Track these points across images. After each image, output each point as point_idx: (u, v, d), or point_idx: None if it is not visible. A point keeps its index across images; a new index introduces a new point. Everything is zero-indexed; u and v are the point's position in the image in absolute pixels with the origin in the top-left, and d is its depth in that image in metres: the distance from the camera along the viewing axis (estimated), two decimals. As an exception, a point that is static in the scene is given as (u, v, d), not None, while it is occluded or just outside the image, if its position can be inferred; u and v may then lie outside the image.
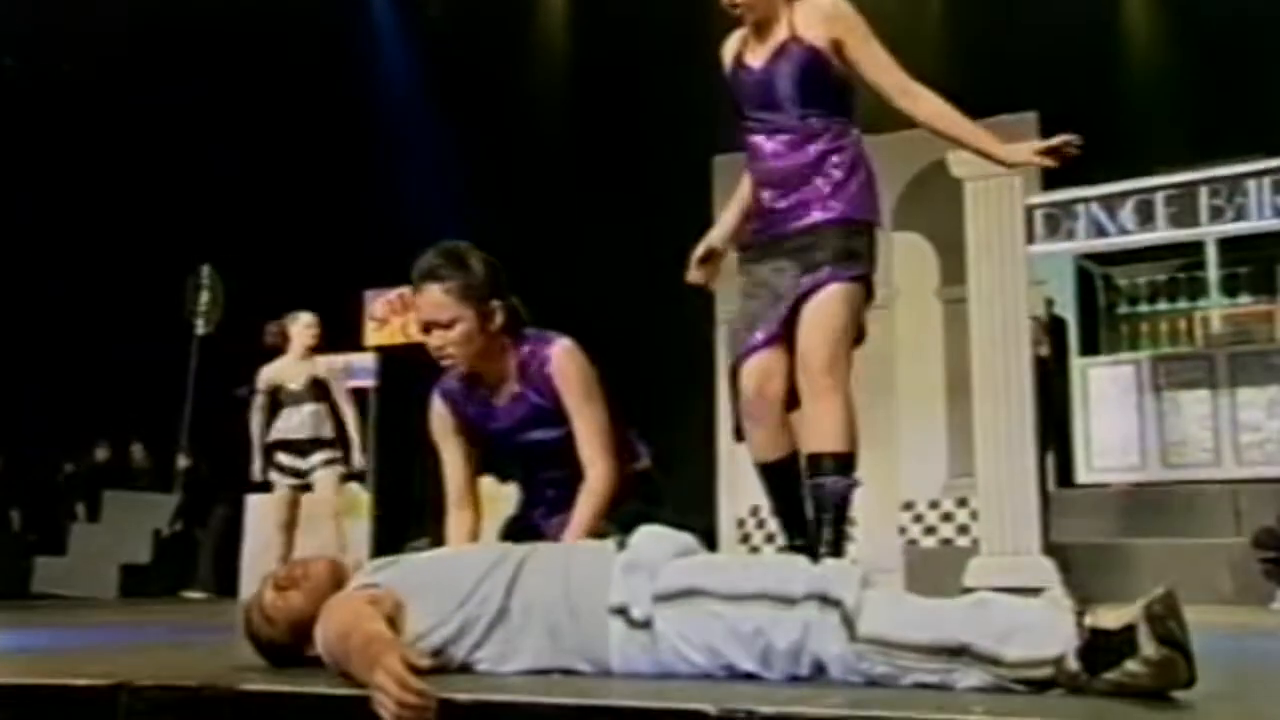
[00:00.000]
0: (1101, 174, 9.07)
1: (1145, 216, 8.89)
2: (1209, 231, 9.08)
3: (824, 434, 3.48)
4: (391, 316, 10.78)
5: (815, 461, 3.50)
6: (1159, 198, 8.88)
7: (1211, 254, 9.77)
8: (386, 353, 10.65)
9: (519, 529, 3.51)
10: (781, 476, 3.65)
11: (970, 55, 9.98)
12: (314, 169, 11.84)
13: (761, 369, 3.55)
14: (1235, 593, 7.95)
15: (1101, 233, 9.06)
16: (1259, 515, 8.37)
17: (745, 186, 3.82)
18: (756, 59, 3.61)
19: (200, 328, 11.57)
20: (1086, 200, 9.00)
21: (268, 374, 7.98)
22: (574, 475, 3.34)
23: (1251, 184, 8.62)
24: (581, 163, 11.45)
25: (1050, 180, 9.34)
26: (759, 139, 3.64)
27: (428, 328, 3.37)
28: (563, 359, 3.42)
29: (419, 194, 11.51)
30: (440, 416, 3.60)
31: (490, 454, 3.64)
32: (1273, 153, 8.54)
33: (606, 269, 11.11)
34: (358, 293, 10.84)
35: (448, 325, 3.32)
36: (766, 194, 3.63)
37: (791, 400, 3.59)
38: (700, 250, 3.92)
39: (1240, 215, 8.71)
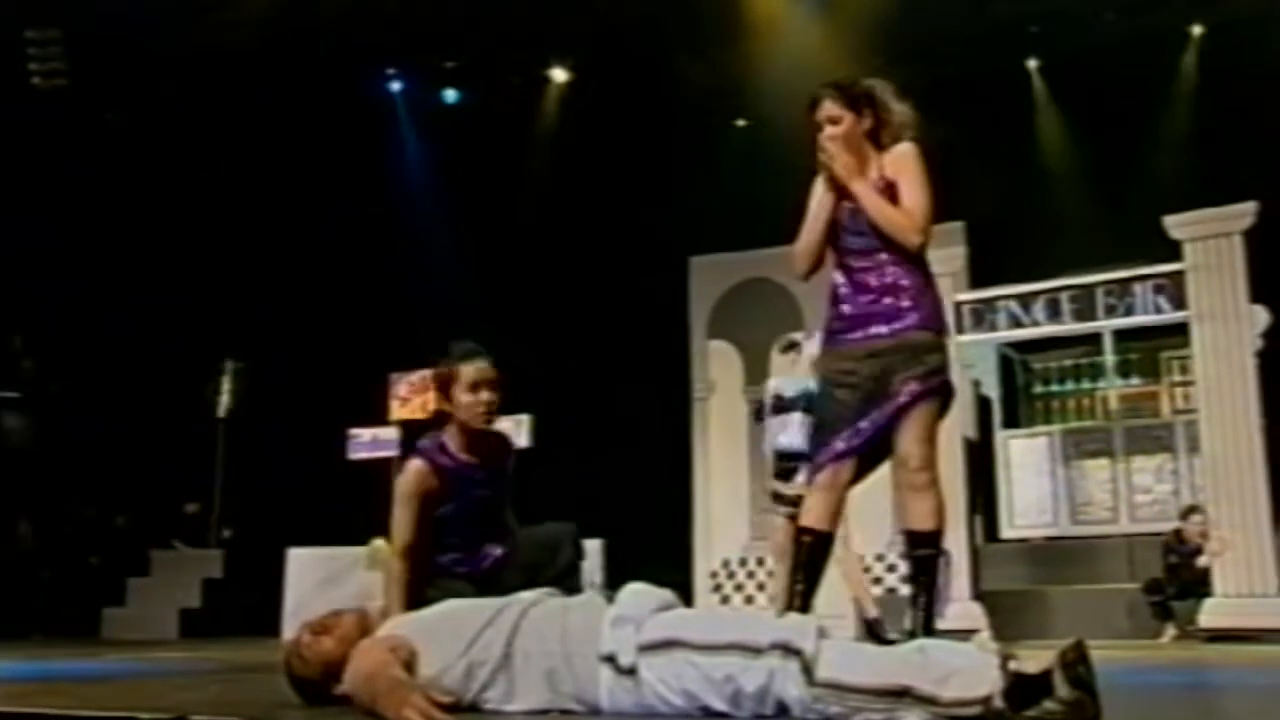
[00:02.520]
0: (1018, 276, 9.20)
1: (1054, 311, 9.00)
2: (1105, 325, 9.21)
3: (924, 516, 3.59)
4: (413, 395, 10.77)
5: (917, 538, 3.62)
6: (1064, 296, 9.00)
7: (1108, 343, 9.86)
8: (408, 426, 10.63)
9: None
10: (819, 547, 3.67)
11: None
12: (345, 267, 11.86)
13: (845, 465, 3.62)
14: (1131, 630, 7.95)
15: (1018, 325, 9.16)
16: (1150, 564, 8.40)
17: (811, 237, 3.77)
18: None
19: (222, 410, 11.65)
20: (1006, 298, 9.11)
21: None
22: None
23: (1138, 286, 8.78)
24: (573, 258, 11.52)
25: (976, 281, 9.45)
26: (849, 260, 3.69)
27: (477, 387, 3.95)
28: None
29: (435, 287, 11.54)
30: (422, 474, 3.90)
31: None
32: (1154, 260, 8.69)
33: (598, 351, 11.13)
34: (382, 374, 10.83)
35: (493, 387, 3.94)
36: (856, 301, 3.66)
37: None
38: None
39: (1130, 311, 8.86)
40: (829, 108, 3.70)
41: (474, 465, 3.98)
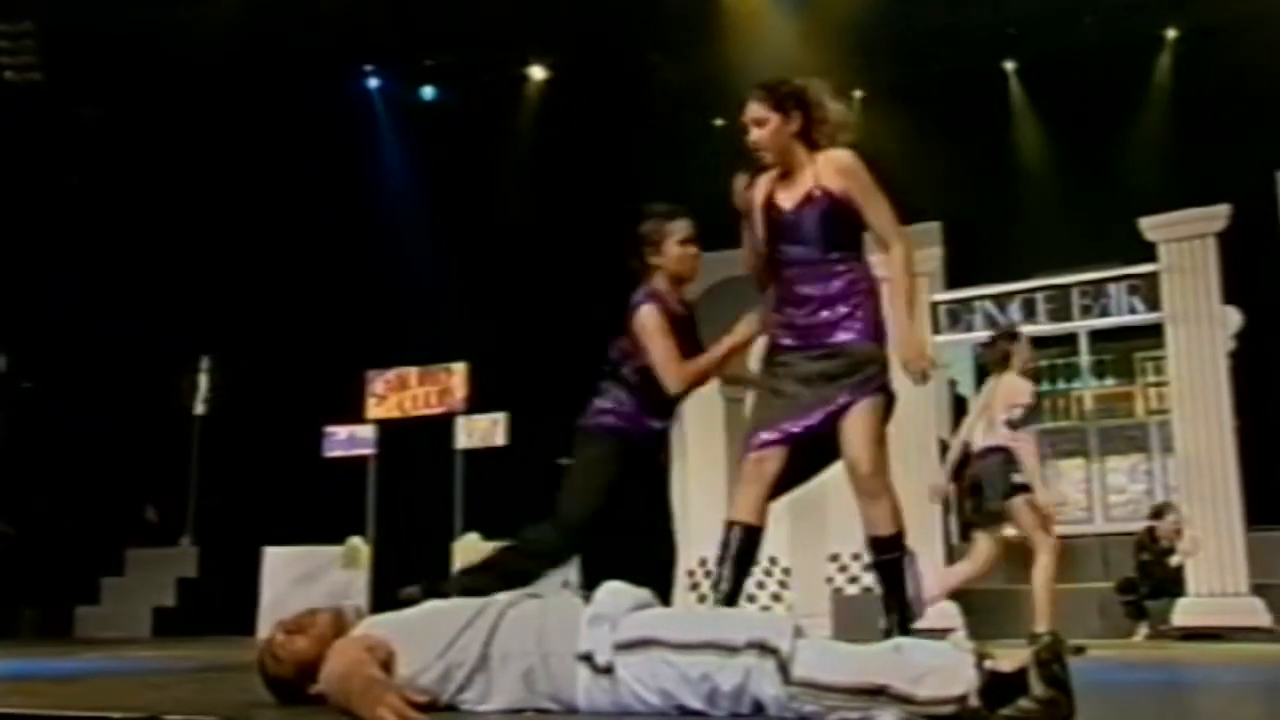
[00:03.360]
0: (994, 277, 9.24)
1: (1029, 312, 9.04)
2: (1080, 325, 9.25)
3: (883, 522, 3.59)
4: (389, 393, 10.71)
5: (878, 543, 3.63)
6: (1040, 297, 9.04)
7: (1083, 344, 9.91)
8: (385, 425, 10.58)
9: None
10: (745, 540, 3.65)
11: (878, 169, 10.11)
12: (322, 265, 11.78)
13: (770, 455, 3.60)
14: (1104, 629, 7.99)
15: (994, 325, 9.18)
16: (1124, 564, 8.45)
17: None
18: (787, 201, 3.65)
19: (198, 407, 11.59)
20: (982, 298, 9.14)
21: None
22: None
23: (1113, 287, 8.82)
24: (551, 256, 11.49)
25: (952, 281, 9.48)
26: (790, 270, 3.67)
27: (687, 241, 4.13)
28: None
29: (412, 285, 11.48)
30: (658, 311, 4.03)
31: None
32: (1129, 261, 8.75)
33: (575, 350, 11.09)
34: (360, 372, 10.77)
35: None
36: (796, 312, 3.64)
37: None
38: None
39: (1104, 312, 8.89)
40: (753, 109, 3.64)
41: (687, 317, 4.15)
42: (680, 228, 4.12)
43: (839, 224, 3.62)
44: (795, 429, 3.55)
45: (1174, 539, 8.18)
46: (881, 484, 3.56)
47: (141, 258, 11.70)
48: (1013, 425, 6.19)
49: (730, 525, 3.65)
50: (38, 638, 9.80)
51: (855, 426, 3.51)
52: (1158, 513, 8.42)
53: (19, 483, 11.23)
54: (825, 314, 3.58)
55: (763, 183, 3.74)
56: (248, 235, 11.72)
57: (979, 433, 6.46)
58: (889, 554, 3.60)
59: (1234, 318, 8.64)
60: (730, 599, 3.60)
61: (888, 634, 3.43)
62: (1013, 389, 6.27)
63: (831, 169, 3.61)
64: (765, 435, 3.58)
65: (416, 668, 2.46)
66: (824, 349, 3.57)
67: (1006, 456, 6.17)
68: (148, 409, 11.62)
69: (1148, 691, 3.68)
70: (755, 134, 3.64)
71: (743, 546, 3.64)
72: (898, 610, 3.56)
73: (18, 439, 11.33)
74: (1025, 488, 6.15)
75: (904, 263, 3.64)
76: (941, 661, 2.19)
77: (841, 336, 3.56)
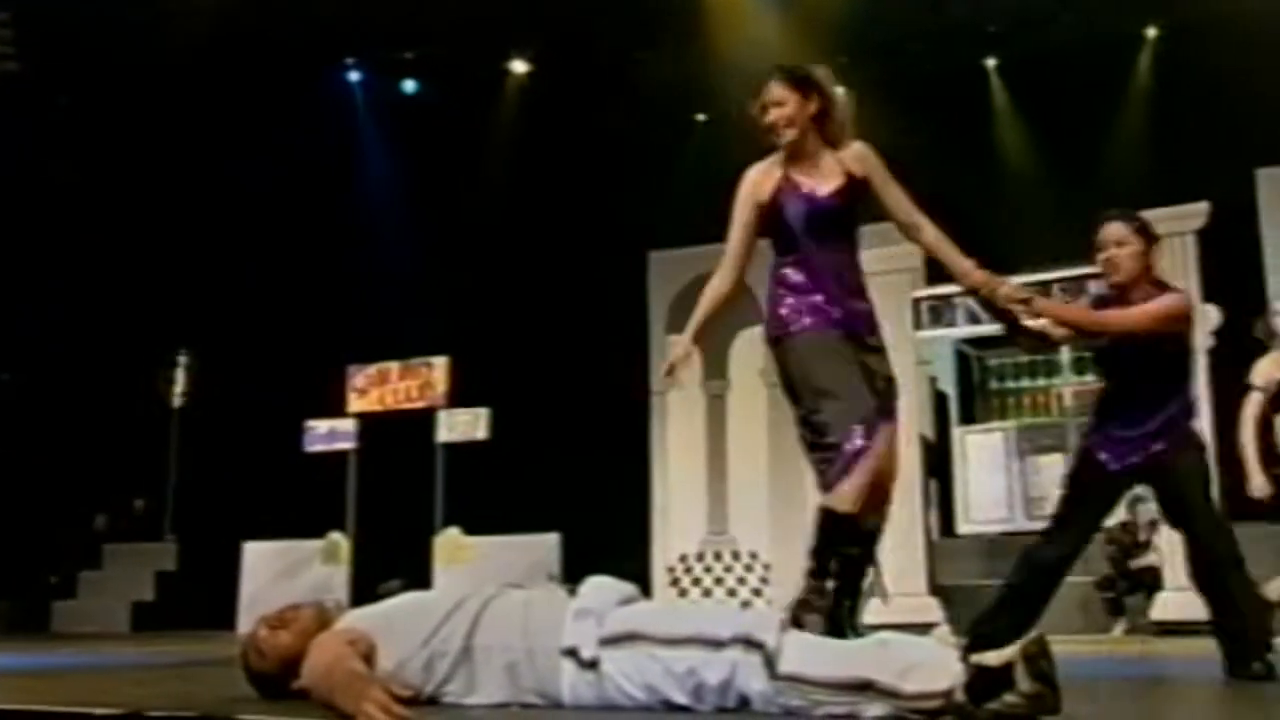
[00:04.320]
0: (975, 272, 9.25)
1: (1011, 309, 9.06)
2: (1062, 321, 9.25)
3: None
4: (370, 388, 10.67)
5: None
6: (1022, 293, 9.05)
7: (1065, 340, 9.93)
8: (365, 418, 10.54)
9: None
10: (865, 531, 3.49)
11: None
12: (303, 257, 11.72)
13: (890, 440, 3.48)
14: (1084, 625, 8.02)
15: (975, 321, 9.20)
16: (1102, 559, 8.49)
17: (720, 286, 3.69)
18: (820, 187, 3.58)
19: (176, 401, 11.53)
20: (963, 294, 9.10)
21: (1267, 369, 6.24)
22: None
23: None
24: (532, 252, 11.47)
25: (933, 278, 9.50)
26: (821, 255, 3.56)
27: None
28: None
29: (393, 280, 11.45)
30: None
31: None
32: (1111, 258, 8.76)
33: (557, 345, 11.09)
34: (340, 366, 10.72)
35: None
36: (840, 292, 3.54)
37: None
38: (683, 351, 3.68)
39: (1086, 308, 8.91)
40: (774, 90, 3.59)
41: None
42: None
43: (857, 214, 3.65)
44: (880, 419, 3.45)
45: (1149, 531, 8.23)
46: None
47: (120, 250, 11.62)
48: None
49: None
50: (13, 631, 9.72)
51: (897, 438, 3.50)
52: (1133, 504, 8.47)
53: None
54: (863, 304, 3.57)
55: (774, 169, 3.65)
56: (228, 228, 11.66)
57: None
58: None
59: (1212, 315, 8.68)
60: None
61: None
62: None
63: (854, 158, 3.62)
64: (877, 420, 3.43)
65: (398, 660, 2.46)
66: (875, 342, 3.54)
67: None
68: (124, 402, 11.53)
69: (1127, 686, 3.70)
70: (775, 113, 3.59)
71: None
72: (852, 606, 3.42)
73: None
74: None
75: (937, 232, 3.66)
76: (927, 656, 2.19)
77: (879, 333, 3.58)
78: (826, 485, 3.32)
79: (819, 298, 3.52)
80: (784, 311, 3.53)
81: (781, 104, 3.60)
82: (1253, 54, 9.48)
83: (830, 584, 3.35)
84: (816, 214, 3.57)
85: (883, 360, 3.56)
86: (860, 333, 3.53)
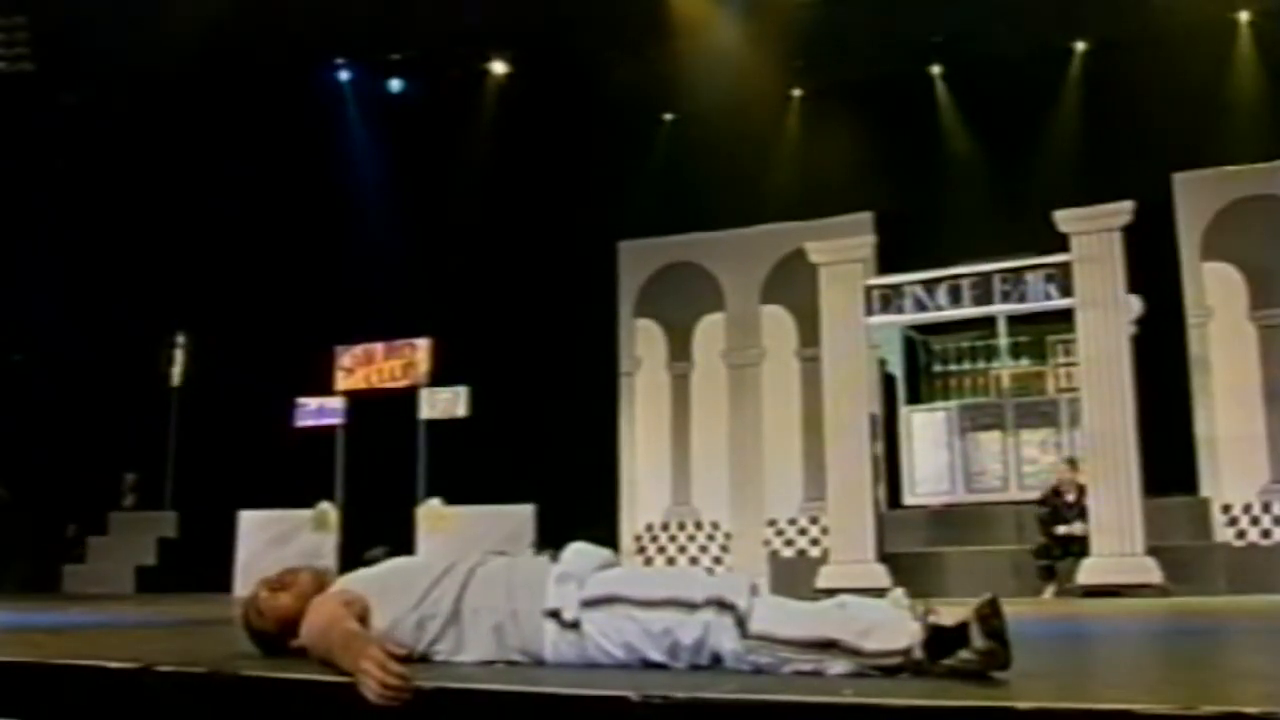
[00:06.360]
0: (922, 264, 9.30)
1: (955, 297, 9.11)
2: (1000, 310, 9.35)
3: None
4: (357, 367, 10.59)
5: None
6: (965, 283, 9.12)
7: (1002, 327, 10.02)
8: (352, 396, 10.47)
9: None
10: None
11: (815, 163, 10.16)
12: (294, 245, 11.59)
13: None
14: (1018, 588, 8.12)
15: (922, 308, 9.26)
16: (1035, 528, 8.58)
17: None
18: None
19: (176, 381, 11.45)
20: (911, 283, 9.19)
21: None
22: None
23: (1030, 275, 8.92)
24: (510, 240, 11.42)
25: (884, 267, 9.54)
26: None
27: None
28: None
29: (379, 265, 11.36)
30: None
31: None
32: (1044, 251, 8.85)
33: (533, 328, 11.04)
34: (329, 347, 10.64)
35: None
36: None
37: None
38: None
39: (1022, 298, 9.00)
40: None
41: None
42: None
43: None
44: None
45: (1076, 492, 8.34)
46: None
47: (123, 240, 11.51)
48: None
49: None
50: (26, 592, 9.60)
51: None
52: (1070, 463, 8.58)
53: (10, 449, 11.01)
54: None
55: None
56: (223, 217, 11.54)
57: None
58: None
59: (1136, 305, 8.78)
60: None
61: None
62: None
63: None
64: None
65: (392, 620, 2.43)
66: None
67: None
68: (127, 381, 11.41)
69: (1065, 643, 3.73)
70: None
71: None
72: None
73: (10, 408, 11.10)
74: None
75: None
76: (885, 617, 2.20)
77: None
78: None
79: None
80: None
81: None
82: (1171, 68, 9.65)
83: None
84: None
85: None
86: None
